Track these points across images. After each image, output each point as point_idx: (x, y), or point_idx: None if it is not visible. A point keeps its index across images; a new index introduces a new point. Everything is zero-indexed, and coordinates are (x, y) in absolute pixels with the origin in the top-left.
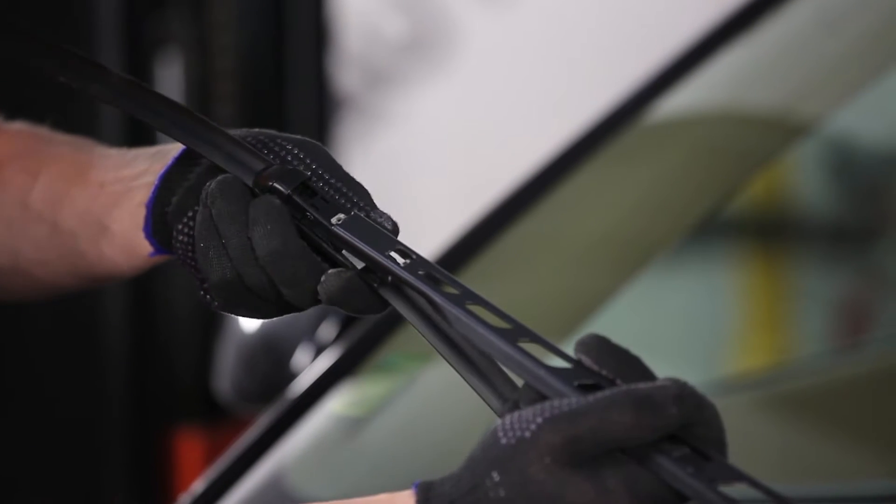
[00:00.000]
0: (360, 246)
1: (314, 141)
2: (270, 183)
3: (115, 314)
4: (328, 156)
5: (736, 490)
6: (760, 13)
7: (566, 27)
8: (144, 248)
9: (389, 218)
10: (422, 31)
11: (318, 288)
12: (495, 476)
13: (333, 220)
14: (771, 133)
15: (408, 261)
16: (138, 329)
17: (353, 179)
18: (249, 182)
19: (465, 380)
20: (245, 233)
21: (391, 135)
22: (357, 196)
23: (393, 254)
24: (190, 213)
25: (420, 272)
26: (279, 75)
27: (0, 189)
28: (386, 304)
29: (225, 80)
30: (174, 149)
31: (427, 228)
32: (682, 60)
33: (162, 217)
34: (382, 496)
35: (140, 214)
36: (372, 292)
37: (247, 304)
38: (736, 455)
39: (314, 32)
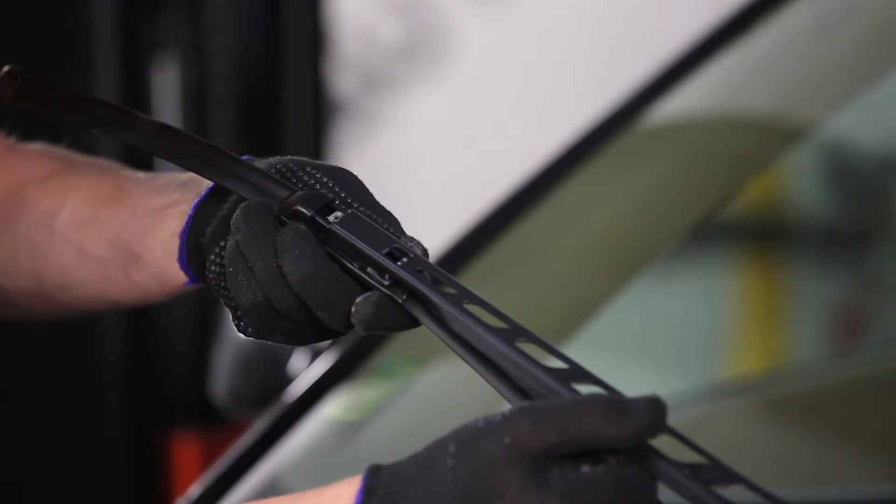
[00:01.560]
0: (357, 243)
1: (345, 168)
2: (294, 207)
3: (111, 318)
4: (358, 183)
5: (732, 493)
6: (756, 18)
7: (562, 32)
8: (178, 277)
9: (419, 244)
10: (418, 36)
11: (352, 320)
12: (451, 448)
13: (331, 218)
14: (767, 137)
15: (405, 259)
16: (135, 333)
17: (381, 207)
18: (276, 209)
19: (498, 391)
20: (270, 255)
21: (387, 139)
22: (386, 223)
23: (391, 252)
24: (222, 243)
25: (418, 270)
26: (275, 79)
27: (24, 211)
28: (414, 319)
29: (221, 84)
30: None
31: (424, 232)
32: (679, 65)
33: (196, 248)
34: (332, 485)
35: (173, 244)
36: (400, 308)
37: (281, 330)
38: (732, 459)
39: (310, 37)
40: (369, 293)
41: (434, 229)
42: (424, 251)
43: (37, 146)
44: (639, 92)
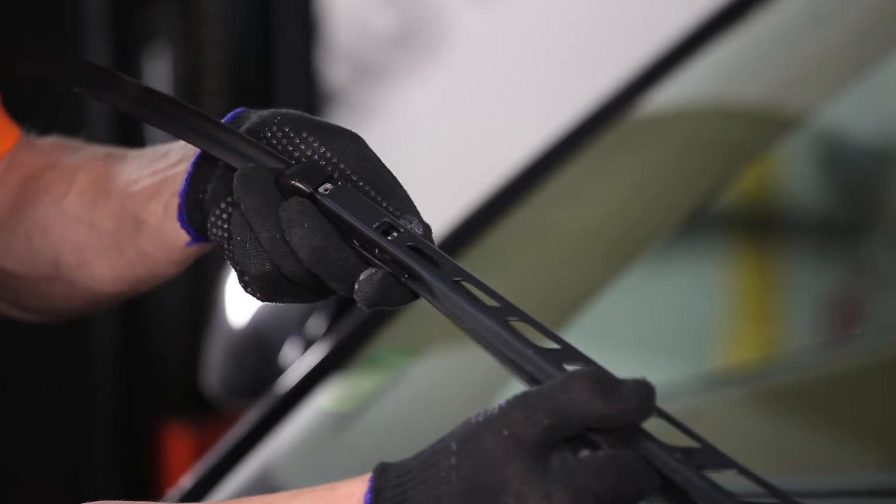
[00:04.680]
0: (346, 216)
1: (348, 132)
2: (292, 182)
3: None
4: (358, 151)
5: (724, 477)
6: (751, 6)
7: (555, 20)
8: (180, 238)
9: (420, 222)
10: (410, 25)
11: (356, 297)
12: (453, 445)
13: (321, 190)
14: (761, 126)
15: (395, 234)
16: (127, 323)
17: (384, 178)
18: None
19: (505, 367)
20: (274, 226)
21: (380, 129)
22: (385, 197)
23: (381, 227)
24: (223, 204)
25: (408, 244)
26: (267, 69)
27: (36, 198)
28: (416, 293)
29: (213, 74)
30: None
31: None
32: (673, 53)
33: (198, 205)
34: (343, 482)
35: (174, 204)
36: (403, 284)
37: (289, 293)
38: (726, 448)
39: (302, 26)
40: (372, 271)
41: (428, 219)
42: (427, 228)
43: (49, 140)
44: (633, 80)
